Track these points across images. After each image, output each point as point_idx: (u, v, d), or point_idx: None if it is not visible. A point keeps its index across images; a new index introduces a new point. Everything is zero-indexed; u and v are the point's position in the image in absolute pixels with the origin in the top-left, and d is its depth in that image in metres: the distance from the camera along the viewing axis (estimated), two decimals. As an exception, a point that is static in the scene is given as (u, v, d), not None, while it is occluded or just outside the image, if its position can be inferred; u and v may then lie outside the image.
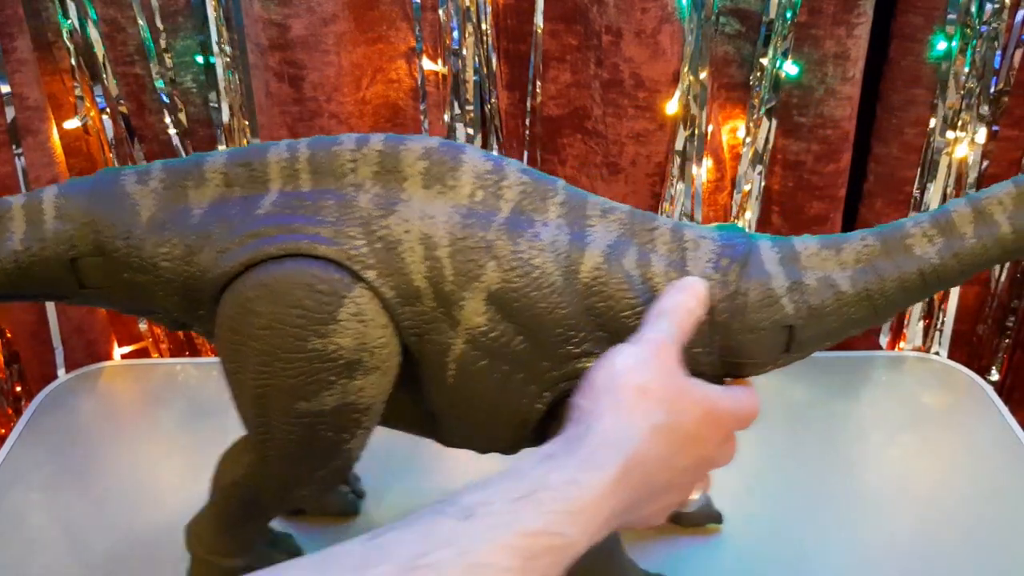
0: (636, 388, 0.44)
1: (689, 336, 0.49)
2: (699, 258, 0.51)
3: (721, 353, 0.51)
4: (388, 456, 0.57)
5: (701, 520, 0.69)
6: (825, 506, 0.72)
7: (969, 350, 1.02)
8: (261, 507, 0.58)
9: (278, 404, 0.50)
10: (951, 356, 0.94)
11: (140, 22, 0.87)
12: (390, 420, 0.55)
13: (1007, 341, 0.99)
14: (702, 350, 0.51)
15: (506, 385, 0.51)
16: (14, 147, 0.84)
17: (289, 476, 0.54)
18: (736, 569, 0.67)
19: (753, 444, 0.79)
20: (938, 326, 0.95)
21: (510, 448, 0.56)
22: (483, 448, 0.56)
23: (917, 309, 0.95)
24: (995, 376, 1.01)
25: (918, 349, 0.96)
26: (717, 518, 0.70)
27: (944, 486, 0.75)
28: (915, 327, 0.95)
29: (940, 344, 0.95)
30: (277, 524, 0.67)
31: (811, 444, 0.79)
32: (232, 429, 0.56)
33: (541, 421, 0.53)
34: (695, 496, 0.50)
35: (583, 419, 0.43)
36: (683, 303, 0.49)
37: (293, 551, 0.65)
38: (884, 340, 0.97)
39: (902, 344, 0.97)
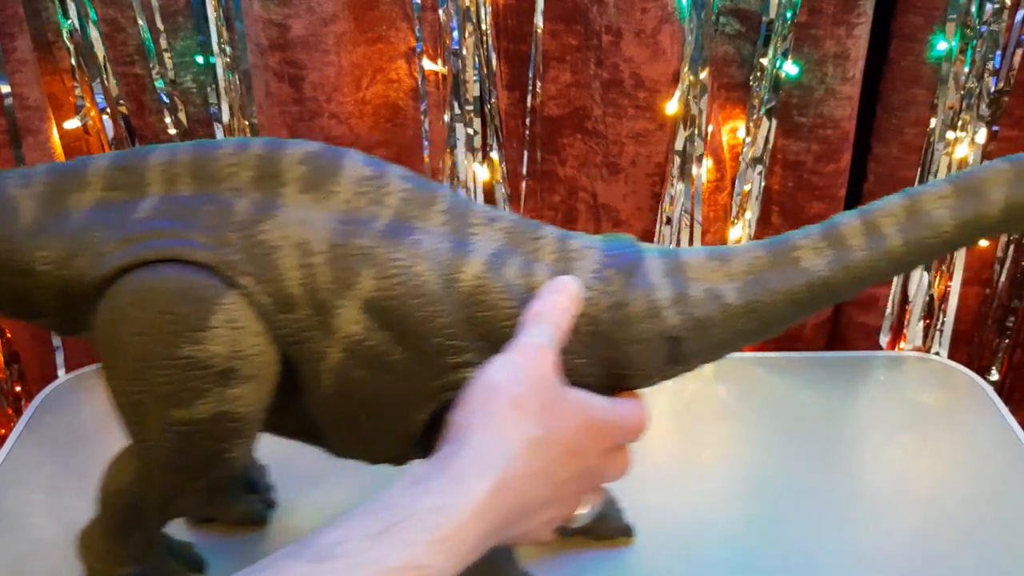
0: (510, 400, 0.42)
1: (567, 336, 0.48)
2: (584, 268, 0.50)
3: (605, 364, 0.51)
4: (303, 466, 0.56)
5: (611, 533, 0.68)
6: (825, 506, 0.72)
7: (969, 350, 1.02)
8: (147, 515, 0.56)
9: (154, 412, 0.49)
10: (951, 356, 0.94)
11: (140, 22, 0.87)
12: (278, 429, 0.55)
13: (1007, 341, 0.99)
14: (585, 361, 0.50)
15: (386, 396, 0.51)
16: (14, 147, 0.84)
17: (171, 485, 0.53)
18: (736, 569, 0.67)
19: (753, 444, 0.79)
20: (938, 326, 0.95)
21: (397, 459, 0.55)
22: (371, 459, 0.55)
23: (917, 309, 0.95)
24: (995, 376, 1.01)
25: (918, 349, 0.96)
26: (627, 532, 0.68)
27: (944, 486, 0.75)
28: (915, 327, 0.95)
29: (940, 344, 0.95)
30: (183, 532, 0.66)
31: (811, 444, 0.79)
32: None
33: (426, 432, 0.52)
34: (584, 510, 0.49)
35: (455, 437, 0.42)
36: (558, 303, 0.48)
37: (192, 559, 0.64)
38: (884, 340, 0.97)
39: (902, 344, 0.97)
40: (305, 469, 0.56)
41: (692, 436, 0.80)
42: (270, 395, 0.51)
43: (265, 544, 0.67)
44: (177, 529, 0.64)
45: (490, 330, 0.49)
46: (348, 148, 0.52)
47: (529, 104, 0.92)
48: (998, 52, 0.83)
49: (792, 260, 0.49)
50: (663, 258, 0.51)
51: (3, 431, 0.93)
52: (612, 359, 0.50)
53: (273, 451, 0.56)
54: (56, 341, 0.93)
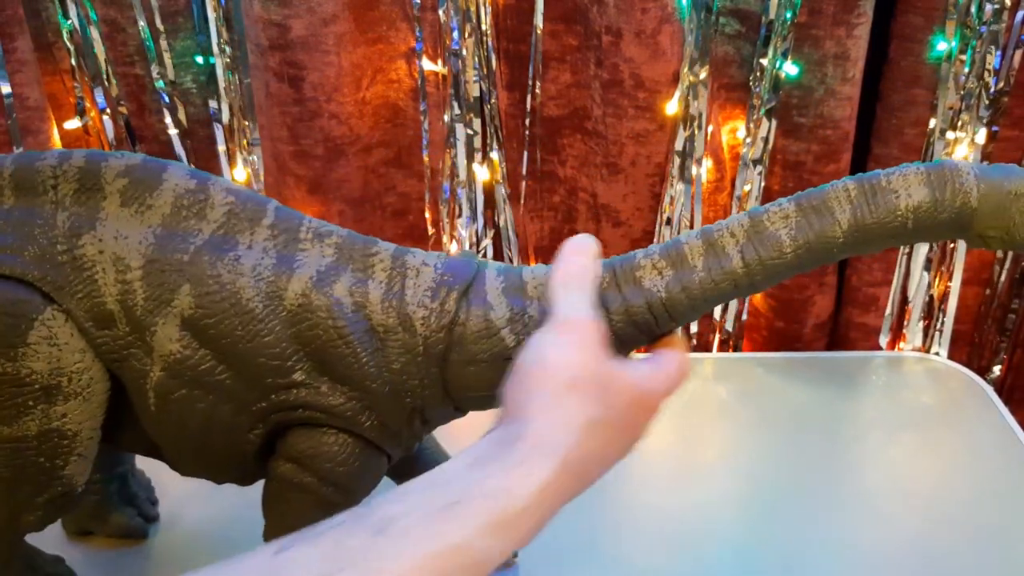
0: (567, 383, 0.42)
1: (595, 299, 0.46)
2: (418, 286, 0.49)
3: (442, 385, 0.49)
4: (188, 480, 0.55)
5: None
6: (825, 506, 0.72)
7: (969, 350, 1.02)
8: None
9: None
10: (951, 356, 0.94)
11: (140, 22, 0.87)
12: (123, 445, 0.54)
13: (1007, 341, 0.99)
14: (418, 382, 0.49)
15: (213, 416, 0.49)
16: (14, 147, 0.84)
17: (9, 502, 0.52)
18: (736, 569, 0.67)
19: (753, 444, 0.79)
20: (938, 326, 0.95)
21: (241, 479, 0.54)
22: (215, 478, 0.54)
23: (917, 309, 0.95)
24: (995, 376, 1.01)
25: (918, 349, 0.96)
26: None
27: (944, 486, 0.75)
28: (915, 327, 0.95)
29: (940, 344, 0.95)
30: (60, 544, 0.65)
31: (811, 444, 0.79)
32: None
33: (261, 453, 0.51)
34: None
35: (515, 418, 0.41)
36: (584, 266, 0.46)
37: (61, 574, 0.62)
38: (884, 340, 0.97)
39: (902, 344, 0.97)
40: (190, 483, 0.55)
41: (692, 436, 0.80)
42: (100, 412, 0.49)
43: (144, 558, 0.65)
44: (53, 542, 0.63)
45: (318, 349, 0.48)
46: (172, 161, 0.51)
47: (529, 104, 0.92)
48: (998, 52, 0.83)
49: (634, 280, 0.47)
50: (502, 276, 0.50)
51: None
52: (449, 380, 0.49)
53: (159, 464, 0.55)
54: None
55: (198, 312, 0.47)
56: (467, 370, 0.49)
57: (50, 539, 0.60)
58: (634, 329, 0.48)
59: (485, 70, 0.88)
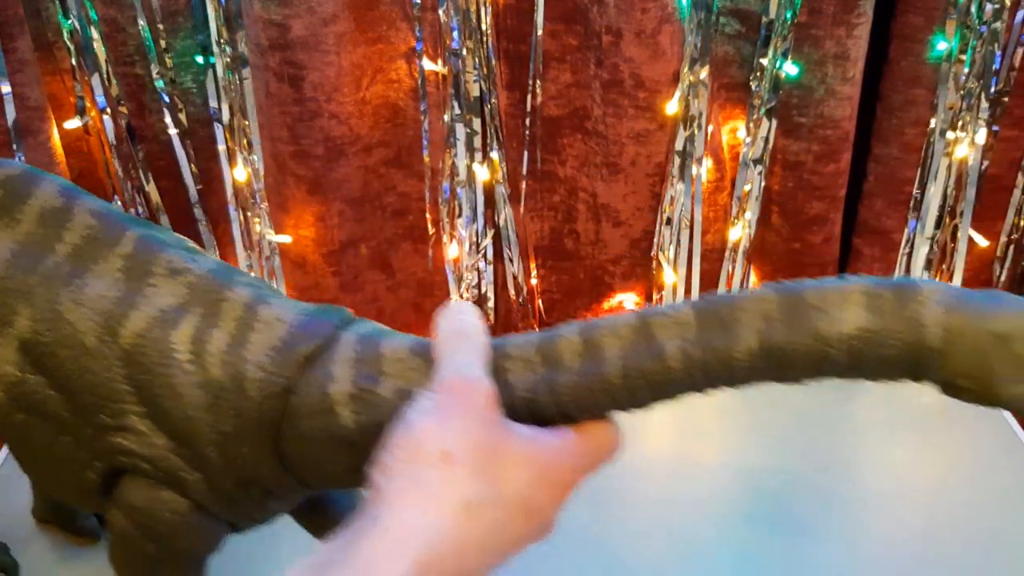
0: (439, 456, 0.34)
1: (485, 369, 0.39)
2: (262, 343, 0.43)
3: (277, 457, 0.44)
4: (53, 539, 0.54)
5: None
6: (825, 506, 0.72)
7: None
8: None
9: None
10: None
11: (140, 22, 0.87)
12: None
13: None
14: (250, 450, 0.43)
15: (54, 446, 0.47)
16: (14, 147, 0.84)
17: None
18: (736, 569, 0.67)
19: (753, 444, 0.79)
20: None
21: (98, 509, 0.50)
22: (72, 504, 0.52)
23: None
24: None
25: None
26: None
27: (944, 486, 0.75)
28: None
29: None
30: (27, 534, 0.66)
31: (812, 444, 0.79)
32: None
33: (106, 488, 0.48)
34: None
35: (372, 508, 0.34)
36: (465, 324, 0.39)
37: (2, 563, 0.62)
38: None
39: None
40: (55, 542, 0.53)
41: (692, 436, 0.80)
42: None
43: (88, 561, 0.66)
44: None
45: (148, 396, 0.44)
46: (52, 176, 0.49)
47: (529, 104, 0.92)
48: (998, 52, 0.83)
49: (500, 370, 0.39)
50: (359, 344, 0.43)
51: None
52: (285, 454, 0.43)
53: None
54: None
55: (34, 338, 0.45)
56: (299, 446, 0.43)
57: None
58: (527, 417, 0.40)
59: (485, 70, 0.88)
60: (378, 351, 0.42)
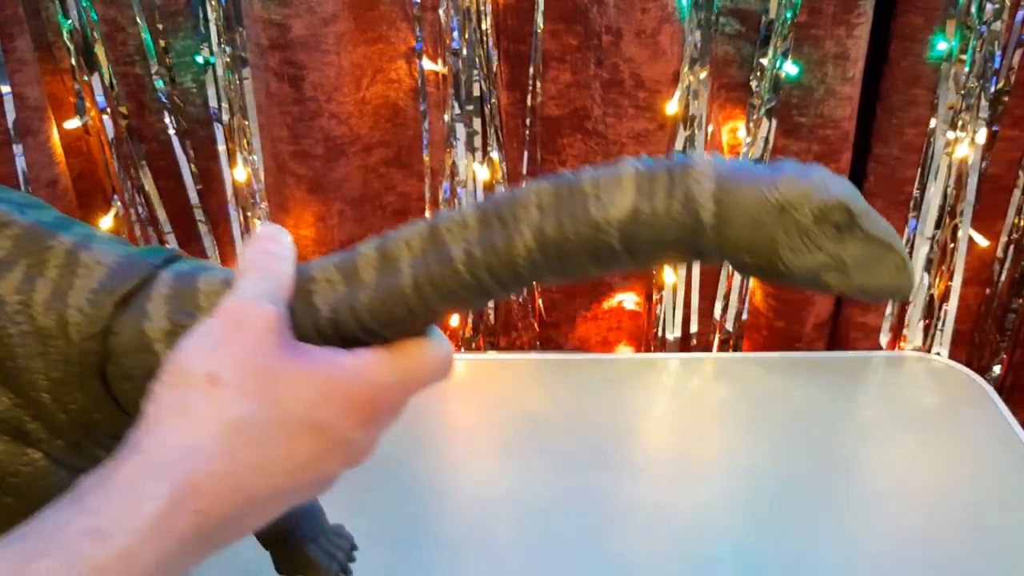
0: (205, 377, 0.33)
1: (287, 291, 0.38)
2: (82, 288, 0.43)
3: (113, 399, 0.43)
4: None
5: None
6: (825, 505, 0.72)
7: (969, 350, 1.02)
8: None
9: None
10: (951, 356, 0.94)
11: (140, 22, 0.87)
12: None
13: (1007, 341, 1.00)
14: (82, 394, 0.43)
15: None
16: (14, 147, 0.84)
17: None
18: (736, 569, 0.67)
19: (753, 444, 0.79)
20: (939, 326, 0.95)
21: None
22: None
23: (917, 309, 0.95)
24: (995, 375, 1.01)
25: (919, 349, 0.96)
26: None
27: (944, 485, 0.75)
28: (916, 327, 0.95)
29: (940, 344, 0.95)
30: None
31: (812, 444, 0.79)
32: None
33: None
34: None
35: (133, 437, 0.33)
36: (270, 251, 0.38)
37: None
38: (884, 340, 0.97)
39: (903, 344, 0.97)
40: None
41: (692, 436, 0.80)
42: None
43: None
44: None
45: None
46: None
47: (529, 104, 0.92)
48: (998, 52, 0.83)
49: (304, 293, 0.39)
50: (175, 281, 0.43)
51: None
52: (116, 395, 0.44)
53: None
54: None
55: None
56: (125, 385, 0.43)
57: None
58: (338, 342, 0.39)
59: (485, 70, 0.88)
60: (194, 286, 0.42)
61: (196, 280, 0.42)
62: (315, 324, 0.38)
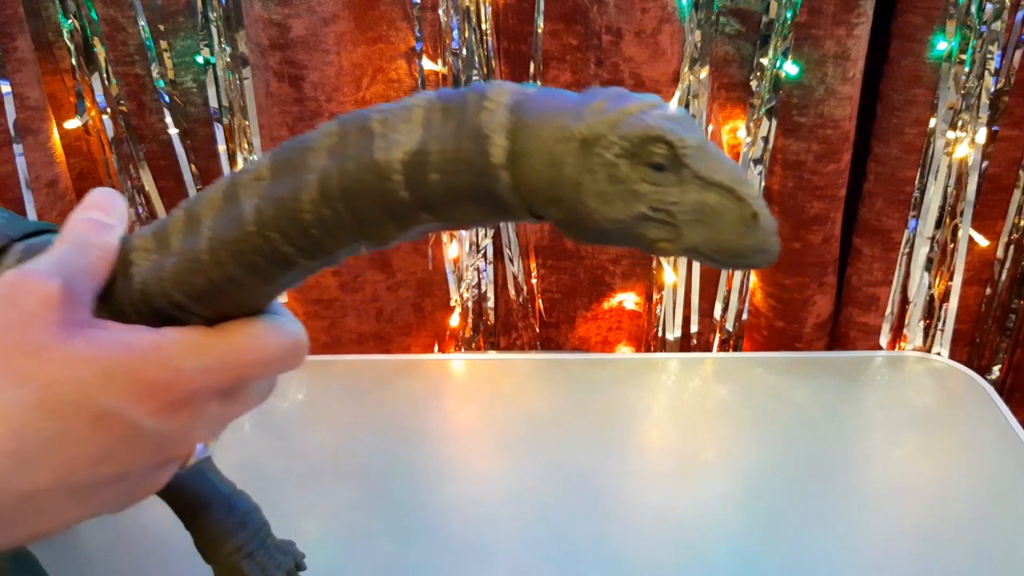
0: None
1: (104, 262, 0.34)
2: None
3: None
4: None
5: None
6: (825, 506, 0.72)
7: (970, 350, 1.02)
8: None
9: None
10: (952, 356, 0.94)
11: (140, 22, 0.87)
12: None
13: (1007, 341, 0.99)
14: None
15: None
16: (14, 147, 0.84)
17: None
18: (736, 569, 0.67)
19: (753, 444, 0.79)
20: (939, 326, 0.95)
21: None
22: None
23: (917, 309, 0.95)
24: (996, 375, 1.01)
25: (919, 349, 0.96)
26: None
27: (945, 486, 0.75)
28: (916, 327, 0.95)
29: (941, 344, 0.95)
30: None
31: (812, 444, 0.79)
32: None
33: None
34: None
35: None
36: (91, 218, 0.35)
37: None
38: (884, 340, 0.97)
39: (903, 344, 0.97)
40: None
41: (692, 436, 0.80)
42: None
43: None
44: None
45: None
46: None
47: (529, 104, 0.92)
48: (998, 52, 0.83)
49: (126, 263, 0.35)
50: (25, 251, 0.39)
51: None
52: None
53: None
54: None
55: None
56: None
57: None
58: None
59: (485, 70, 0.88)
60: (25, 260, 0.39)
61: (33, 252, 0.37)
62: (130, 299, 0.34)
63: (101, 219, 0.35)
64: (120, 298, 0.34)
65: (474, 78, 0.87)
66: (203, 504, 0.54)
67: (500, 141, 0.27)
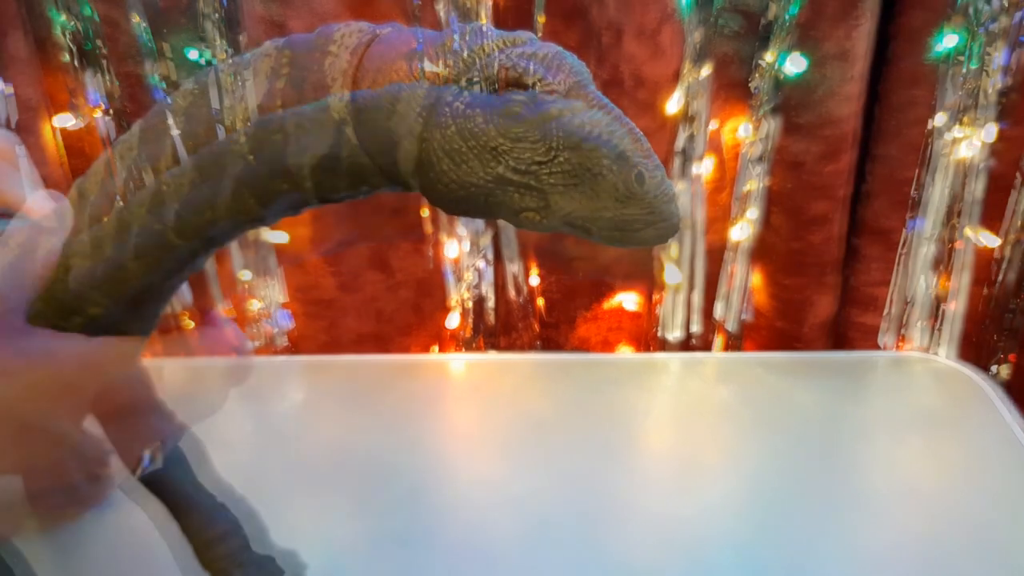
0: None
1: (46, 269, 0.33)
2: None
3: None
4: None
5: None
6: (826, 507, 0.72)
7: (972, 350, 1.02)
8: None
9: None
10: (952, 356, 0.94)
11: (140, 21, 0.87)
12: None
13: (1008, 341, 0.99)
14: None
15: None
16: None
17: None
18: (737, 570, 0.67)
19: (753, 444, 0.79)
20: (940, 326, 0.95)
21: None
22: None
23: (919, 309, 0.95)
24: (998, 376, 1.01)
25: (921, 349, 0.96)
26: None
27: (947, 486, 0.75)
28: (917, 327, 0.95)
29: (943, 344, 0.95)
30: None
31: (814, 445, 0.79)
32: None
33: None
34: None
35: None
36: (33, 223, 0.34)
37: None
38: (886, 340, 0.97)
39: (904, 344, 0.97)
40: None
41: (692, 436, 0.80)
42: None
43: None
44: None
45: None
46: None
47: (529, 104, 0.92)
48: (1005, 50, 0.83)
49: (65, 269, 0.34)
50: None
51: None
52: None
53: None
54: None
55: None
56: None
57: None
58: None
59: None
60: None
61: None
62: (66, 305, 0.33)
63: (45, 224, 0.34)
64: (59, 296, 0.33)
65: (474, 78, 0.87)
66: (183, 512, 0.53)
67: (341, 92, 0.23)
